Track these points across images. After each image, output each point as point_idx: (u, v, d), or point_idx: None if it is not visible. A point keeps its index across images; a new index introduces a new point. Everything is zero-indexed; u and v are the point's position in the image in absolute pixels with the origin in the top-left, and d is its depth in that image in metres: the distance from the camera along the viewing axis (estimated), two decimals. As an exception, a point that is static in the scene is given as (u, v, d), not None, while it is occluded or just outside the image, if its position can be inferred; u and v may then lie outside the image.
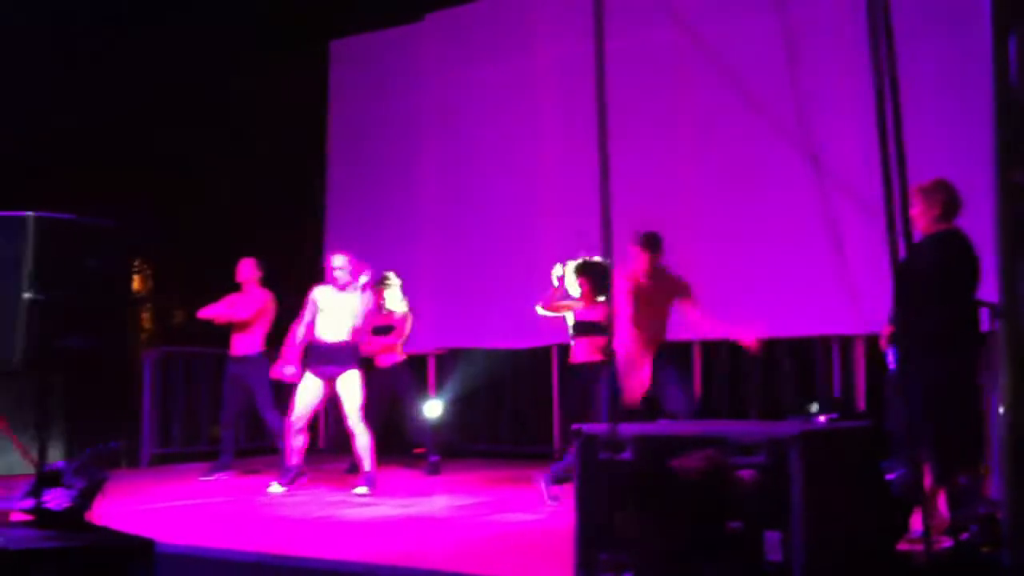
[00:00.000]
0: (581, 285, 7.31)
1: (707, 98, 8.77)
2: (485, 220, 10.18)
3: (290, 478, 7.69)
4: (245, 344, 8.60)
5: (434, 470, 8.53)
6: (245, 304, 8.63)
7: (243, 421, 9.29)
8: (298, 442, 7.72)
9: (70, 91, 9.60)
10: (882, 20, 3.98)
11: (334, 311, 7.74)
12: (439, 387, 10.40)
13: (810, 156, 5.83)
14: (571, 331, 7.35)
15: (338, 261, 7.83)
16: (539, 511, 6.49)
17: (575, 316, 7.34)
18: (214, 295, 8.91)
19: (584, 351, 7.21)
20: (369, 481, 7.59)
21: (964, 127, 6.64)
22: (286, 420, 7.81)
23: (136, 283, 10.85)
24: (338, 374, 7.64)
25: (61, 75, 9.61)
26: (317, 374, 7.66)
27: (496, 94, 10.28)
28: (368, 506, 6.95)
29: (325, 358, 7.67)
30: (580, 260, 7.43)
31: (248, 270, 8.74)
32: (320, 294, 7.80)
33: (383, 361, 8.70)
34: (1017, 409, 4.04)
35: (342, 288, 7.76)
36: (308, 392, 7.69)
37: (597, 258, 7.27)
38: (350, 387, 7.65)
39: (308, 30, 11.52)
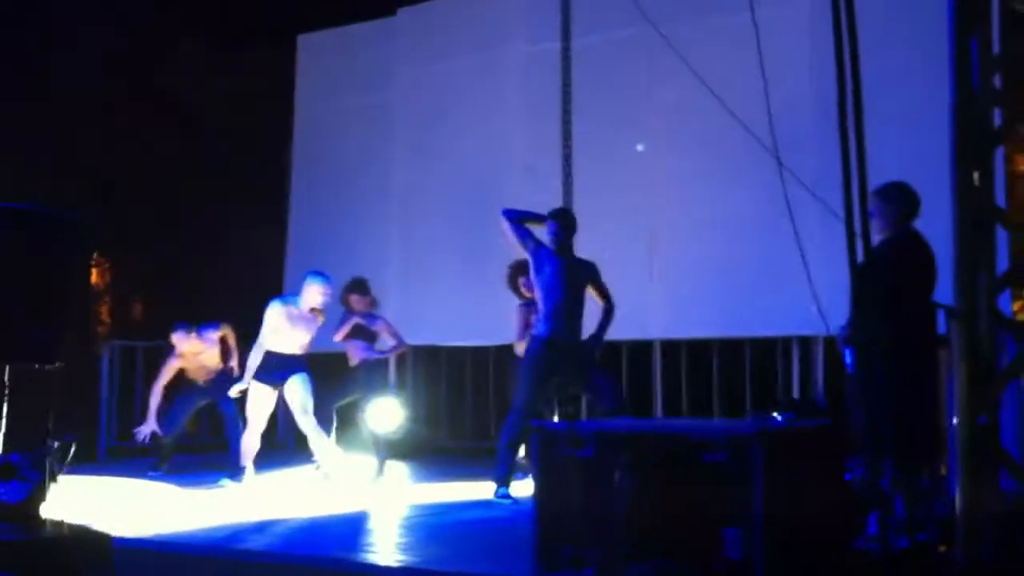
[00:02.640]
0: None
1: (672, 96, 8.80)
2: (452, 215, 10.17)
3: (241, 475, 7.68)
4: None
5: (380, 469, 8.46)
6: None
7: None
8: (252, 445, 7.72)
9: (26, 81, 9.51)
10: (846, 22, 4.02)
11: (295, 329, 7.70)
12: (401, 385, 10.38)
13: (774, 156, 5.85)
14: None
15: (326, 289, 7.75)
16: (497, 508, 6.50)
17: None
18: (171, 290, 8.85)
19: None
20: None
21: (923, 129, 6.71)
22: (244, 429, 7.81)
23: (94, 276, 10.76)
24: (287, 379, 7.67)
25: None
26: (268, 383, 7.66)
27: (465, 89, 10.26)
28: (330, 502, 6.93)
29: (279, 368, 7.66)
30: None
31: None
32: (281, 312, 7.70)
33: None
34: (970, 410, 4.10)
35: (307, 310, 7.73)
36: (261, 402, 7.68)
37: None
38: (297, 390, 7.65)
39: (275, 24, 11.48)
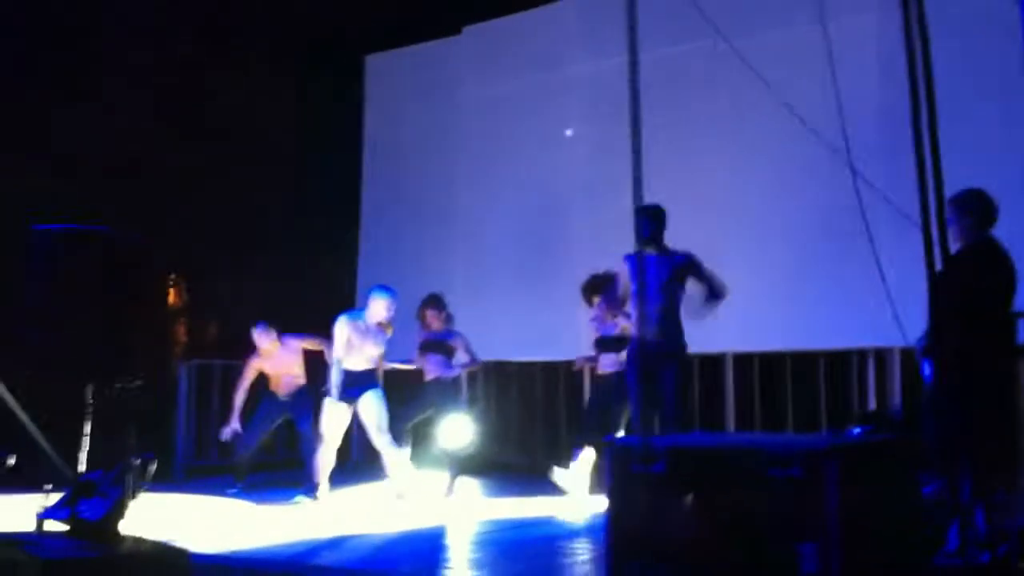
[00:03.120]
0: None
1: (744, 107, 8.74)
2: (518, 231, 10.20)
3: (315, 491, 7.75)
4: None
5: (451, 486, 8.46)
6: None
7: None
8: (327, 461, 7.80)
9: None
10: (917, 27, 3.96)
11: (365, 344, 7.80)
12: (472, 401, 10.40)
13: (847, 164, 5.77)
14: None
15: (391, 303, 7.83)
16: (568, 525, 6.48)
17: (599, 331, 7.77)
18: (248, 310, 8.95)
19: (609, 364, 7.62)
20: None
21: (1000, 136, 6.58)
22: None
23: (171, 296, 10.93)
24: (360, 396, 7.77)
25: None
26: (342, 399, 7.76)
27: (530, 106, 10.29)
28: (403, 519, 6.96)
29: (352, 385, 7.77)
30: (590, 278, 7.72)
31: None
32: (349, 326, 7.80)
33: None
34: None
35: (374, 324, 7.82)
36: (336, 418, 7.79)
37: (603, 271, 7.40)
38: (371, 406, 7.75)
39: (343, 46, 11.62)
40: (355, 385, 7.76)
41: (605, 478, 4.29)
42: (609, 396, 7.52)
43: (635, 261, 6.62)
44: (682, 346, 6.63)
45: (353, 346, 7.74)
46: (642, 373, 6.48)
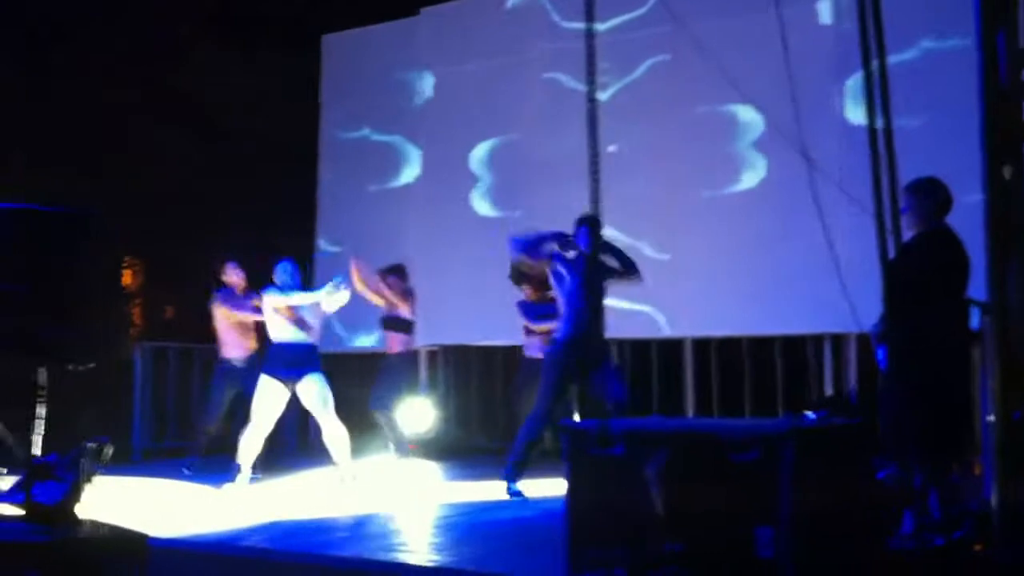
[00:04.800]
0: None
1: (700, 93, 8.78)
2: (476, 214, 10.19)
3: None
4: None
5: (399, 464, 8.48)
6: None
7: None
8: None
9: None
10: (872, 19, 4.00)
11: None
12: (433, 385, 10.41)
13: (801, 153, 5.82)
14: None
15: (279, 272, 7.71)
16: (529, 508, 6.51)
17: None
18: (203, 291, 8.89)
19: None
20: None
21: (954, 124, 6.64)
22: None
23: (127, 278, 10.84)
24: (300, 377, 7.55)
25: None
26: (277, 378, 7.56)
27: (488, 87, 10.26)
28: (356, 501, 6.95)
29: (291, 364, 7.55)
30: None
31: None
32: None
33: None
34: (1005, 406, 4.06)
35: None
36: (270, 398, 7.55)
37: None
38: (312, 389, 7.55)
39: (300, 25, 11.53)
40: (294, 365, 7.50)
41: (563, 461, 4.31)
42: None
43: (564, 260, 6.91)
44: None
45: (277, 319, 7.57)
46: (582, 365, 6.78)
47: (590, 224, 6.86)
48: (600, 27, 8.32)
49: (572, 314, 6.83)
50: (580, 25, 8.37)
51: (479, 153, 10.28)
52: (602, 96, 8.39)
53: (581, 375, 6.92)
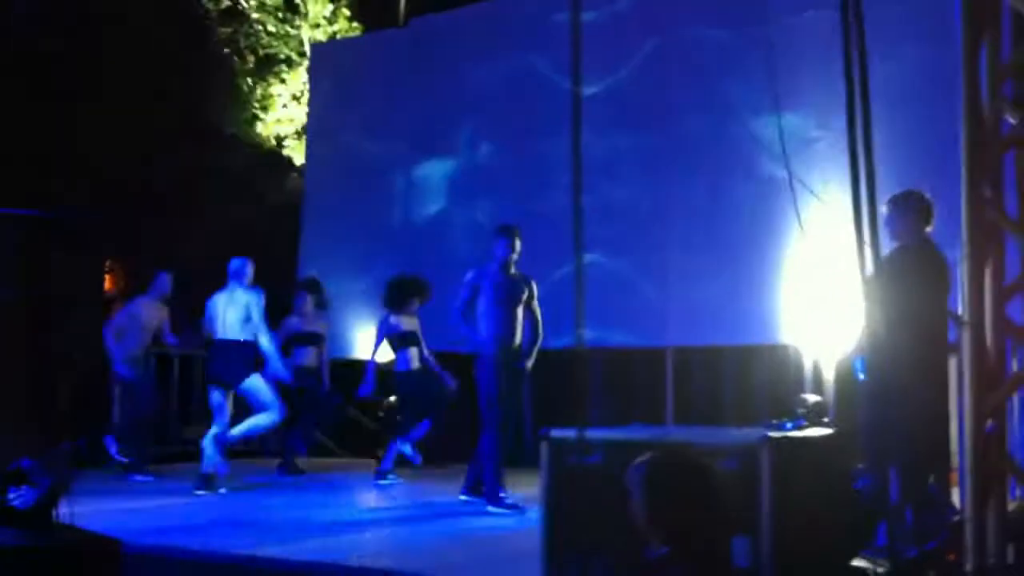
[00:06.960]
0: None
1: (683, 102, 8.81)
2: (461, 224, 10.18)
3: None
4: None
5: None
6: None
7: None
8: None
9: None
10: (855, 30, 4.01)
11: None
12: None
13: (784, 167, 5.84)
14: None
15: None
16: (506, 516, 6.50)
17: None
18: (183, 297, 8.86)
19: None
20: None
21: (933, 138, 6.68)
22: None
23: (107, 282, 10.79)
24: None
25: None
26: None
27: (476, 98, 10.25)
28: (333, 509, 6.93)
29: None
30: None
31: None
32: None
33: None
34: (978, 417, 4.08)
35: None
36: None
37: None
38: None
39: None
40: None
41: (541, 470, 4.30)
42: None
43: (490, 275, 6.90)
44: None
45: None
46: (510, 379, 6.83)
47: (507, 234, 6.89)
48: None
49: (494, 324, 6.83)
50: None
51: (464, 161, 10.28)
52: (586, 93, 8.43)
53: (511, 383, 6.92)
